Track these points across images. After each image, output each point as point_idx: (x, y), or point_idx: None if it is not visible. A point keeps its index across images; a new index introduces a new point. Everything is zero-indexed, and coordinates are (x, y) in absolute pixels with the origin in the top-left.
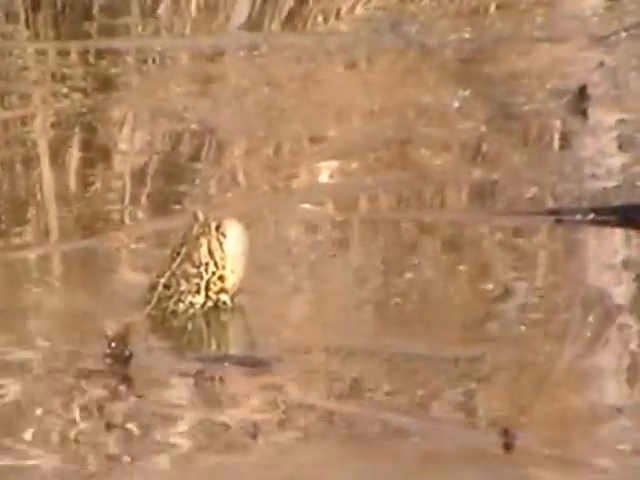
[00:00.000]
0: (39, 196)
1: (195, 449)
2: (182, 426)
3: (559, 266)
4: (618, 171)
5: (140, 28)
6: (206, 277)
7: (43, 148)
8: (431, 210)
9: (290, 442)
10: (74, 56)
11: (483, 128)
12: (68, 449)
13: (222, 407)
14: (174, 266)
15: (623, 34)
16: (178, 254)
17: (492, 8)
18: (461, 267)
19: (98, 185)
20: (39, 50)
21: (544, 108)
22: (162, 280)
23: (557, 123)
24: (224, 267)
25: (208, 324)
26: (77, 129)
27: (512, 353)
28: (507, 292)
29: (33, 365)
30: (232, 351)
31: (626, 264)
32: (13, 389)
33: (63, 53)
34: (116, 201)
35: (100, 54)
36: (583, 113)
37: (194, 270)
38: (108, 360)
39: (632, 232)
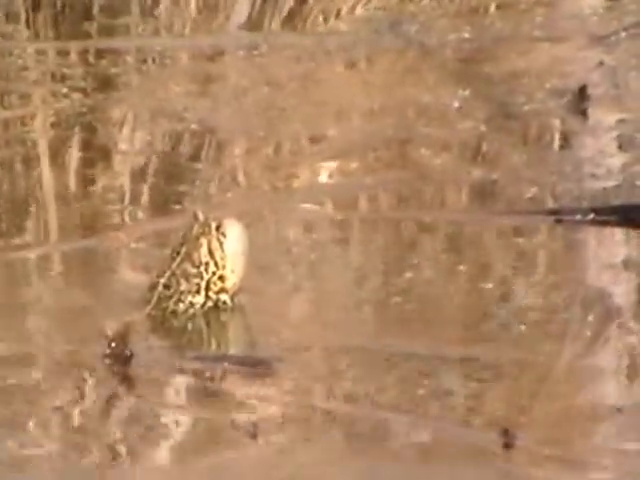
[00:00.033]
0: (39, 196)
1: (195, 449)
2: (182, 426)
3: (559, 266)
4: (618, 171)
5: (140, 28)
6: (206, 277)
7: (43, 148)
8: (431, 210)
9: (290, 442)
10: (74, 56)
11: (483, 128)
12: (70, 441)
13: (222, 407)
14: (174, 266)
15: (623, 34)
16: (178, 254)
17: (492, 8)
18: (461, 267)
19: (98, 185)
20: (39, 50)
21: (544, 108)
22: (162, 280)
23: (557, 123)
24: (224, 267)
25: (208, 324)
26: (77, 129)
27: (512, 353)
28: (507, 292)
29: (33, 361)
30: (232, 351)
31: (626, 264)
32: (13, 381)
33: (63, 53)
34: (116, 201)
35: (100, 54)
36: (583, 113)
37: (194, 270)
38: (108, 360)
39: (632, 232)
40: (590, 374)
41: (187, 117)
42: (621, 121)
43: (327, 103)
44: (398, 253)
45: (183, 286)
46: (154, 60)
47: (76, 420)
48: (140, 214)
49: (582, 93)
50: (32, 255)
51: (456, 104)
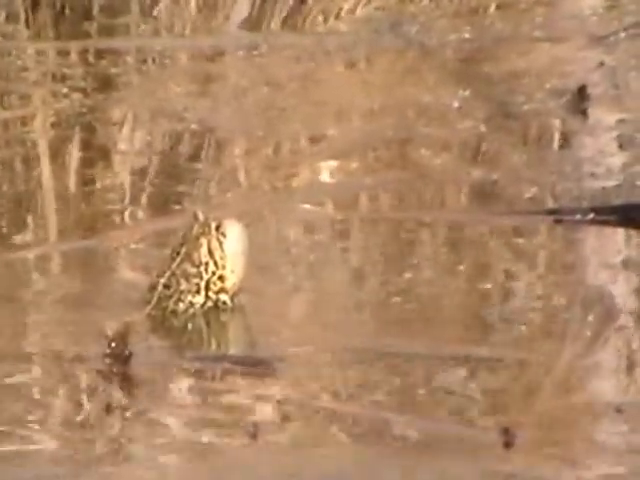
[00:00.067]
0: (39, 196)
1: (195, 449)
2: (182, 425)
3: (559, 266)
4: (618, 170)
5: (140, 28)
6: (206, 277)
7: (43, 148)
8: (431, 210)
9: (290, 442)
10: (74, 56)
11: (483, 128)
12: (70, 439)
13: (222, 407)
14: (174, 266)
15: (622, 34)
16: (178, 254)
17: (492, 8)
18: (461, 267)
19: (98, 185)
20: (39, 50)
21: (544, 108)
22: (162, 280)
23: (557, 123)
24: (224, 267)
25: (208, 324)
26: (77, 129)
27: (512, 353)
28: (507, 292)
29: (33, 360)
30: (232, 351)
31: (626, 264)
32: (13, 379)
33: (63, 53)
34: (116, 201)
35: (100, 54)
36: (583, 113)
37: (194, 270)
38: (108, 359)
39: (632, 231)
40: (590, 374)
41: (187, 117)
42: (621, 121)
43: (327, 103)
44: (398, 253)
45: (183, 286)
46: (154, 60)
47: (76, 418)
48: (140, 214)
49: (582, 93)
50: (32, 255)
51: (456, 104)
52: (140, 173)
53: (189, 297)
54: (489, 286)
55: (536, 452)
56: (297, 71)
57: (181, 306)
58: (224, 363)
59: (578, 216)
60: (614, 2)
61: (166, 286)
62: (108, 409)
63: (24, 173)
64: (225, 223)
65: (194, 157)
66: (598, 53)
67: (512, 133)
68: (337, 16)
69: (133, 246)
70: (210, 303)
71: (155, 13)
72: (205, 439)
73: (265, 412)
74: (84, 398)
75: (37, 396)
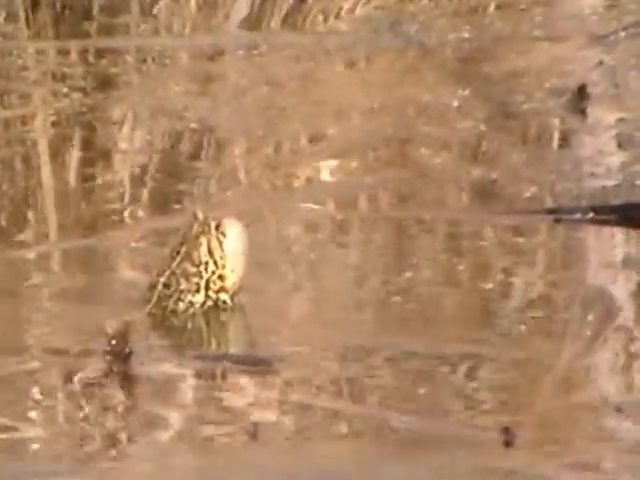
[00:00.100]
0: (39, 195)
1: (194, 448)
2: (181, 425)
3: (558, 265)
4: (617, 170)
5: (140, 27)
6: (206, 276)
7: (43, 147)
8: (431, 209)
9: (290, 442)
10: (74, 55)
11: (482, 127)
12: (68, 433)
13: (222, 406)
14: (174, 265)
15: (622, 33)
16: (178, 253)
17: (491, 7)
18: (461, 266)
19: (98, 184)
20: (39, 50)
21: (543, 107)
22: (162, 279)
23: (556, 122)
24: (224, 266)
25: (208, 323)
26: (77, 128)
27: (512, 353)
28: (507, 291)
29: (33, 355)
30: (232, 350)
31: (626, 263)
32: (15, 373)
33: (63, 53)
34: (116, 200)
35: (100, 53)
36: (582, 112)
37: (194, 269)
38: (108, 357)
39: (631, 231)
40: (590, 373)
41: (187, 116)
42: (620, 120)
43: (327, 102)
44: (398, 252)
45: (183, 285)
46: (154, 59)
47: (75, 415)
48: (140, 213)
49: (581, 92)
50: (32, 254)
51: (456, 103)
52: (140, 172)
53: (189, 296)
54: (489, 286)
55: (536, 451)
56: (297, 70)
57: (181, 305)
58: (224, 362)
59: (578, 215)
60: (614, 1)
61: (166, 285)
62: (108, 407)
63: (24, 172)
64: (225, 222)
65: (194, 156)
66: (598, 52)
67: (512, 132)
68: (337, 15)
69: (133, 245)
70: (210, 302)
71: (155, 12)
72: (205, 438)
73: (265, 412)
74: (84, 395)
75: (37, 392)
